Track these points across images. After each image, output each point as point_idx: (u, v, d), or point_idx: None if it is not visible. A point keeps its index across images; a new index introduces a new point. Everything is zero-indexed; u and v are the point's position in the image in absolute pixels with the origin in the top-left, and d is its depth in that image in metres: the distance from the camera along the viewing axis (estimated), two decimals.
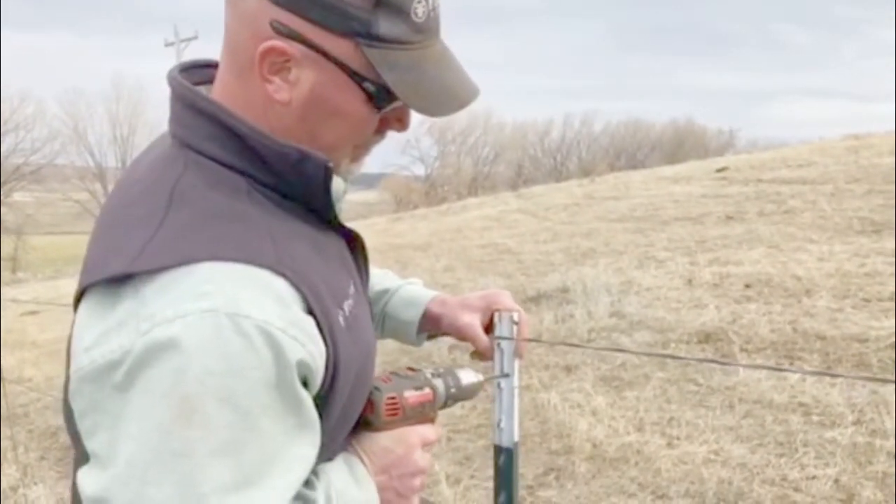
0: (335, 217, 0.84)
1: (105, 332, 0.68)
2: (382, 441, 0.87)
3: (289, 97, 0.77)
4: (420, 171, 47.16)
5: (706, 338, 4.60)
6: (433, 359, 4.73)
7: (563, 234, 9.03)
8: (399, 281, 1.23)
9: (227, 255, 0.70)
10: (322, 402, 0.76)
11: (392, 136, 0.87)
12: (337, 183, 0.82)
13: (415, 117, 0.84)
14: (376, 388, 0.87)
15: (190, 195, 0.74)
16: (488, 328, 1.15)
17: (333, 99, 0.77)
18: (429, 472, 0.91)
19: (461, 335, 1.14)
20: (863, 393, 3.61)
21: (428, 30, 0.77)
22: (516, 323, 1.14)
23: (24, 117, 37.54)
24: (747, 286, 5.46)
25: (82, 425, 0.69)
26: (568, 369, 4.45)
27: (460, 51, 0.84)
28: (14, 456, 3.83)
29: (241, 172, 0.78)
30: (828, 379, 3.83)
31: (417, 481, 0.89)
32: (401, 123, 0.84)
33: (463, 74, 0.82)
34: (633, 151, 50.19)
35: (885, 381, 3.55)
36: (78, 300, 0.74)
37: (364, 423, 0.87)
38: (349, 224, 0.87)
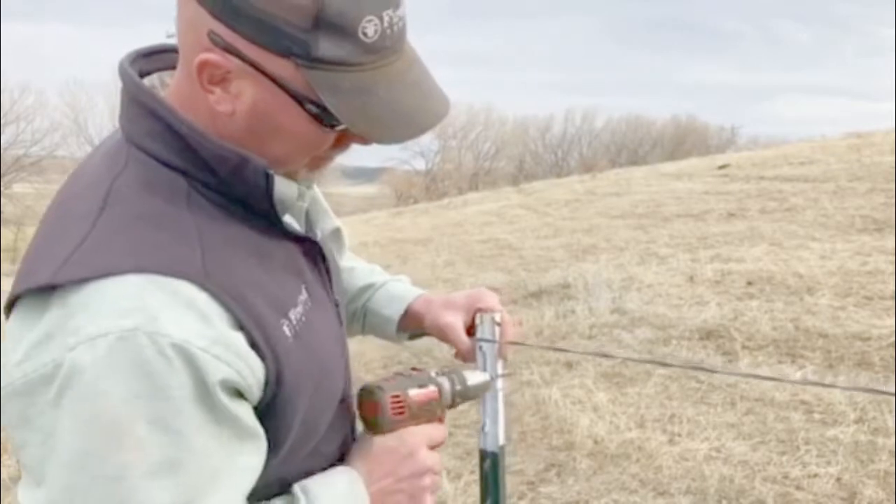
0: (281, 224, 0.79)
1: (35, 344, 0.66)
2: (386, 442, 0.85)
3: (232, 109, 0.73)
4: (421, 165, 47.05)
5: (707, 335, 4.59)
6: (434, 354, 4.73)
7: (565, 229, 9.01)
8: (385, 277, 1.20)
9: (152, 267, 0.67)
10: (266, 413, 0.73)
11: None
12: (288, 188, 0.79)
13: None
14: (379, 388, 0.85)
15: (124, 195, 0.72)
16: (472, 329, 1.12)
17: (276, 117, 0.73)
18: (439, 472, 0.88)
19: (442, 335, 1.11)
20: None
21: (382, 49, 0.71)
22: (498, 324, 1.11)
23: (25, 108, 37.40)
24: (749, 283, 5.45)
25: (13, 438, 0.68)
26: (569, 365, 4.44)
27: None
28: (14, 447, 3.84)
29: (183, 172, 0.74)
30: (829, 377, 3.82)
31: (427, 480, 0.86)
32: (363, 138, 0.78)
33: (426, 96, 0.75)
34: (634, 147, 50.08)
35: (885, 393, 3.54)
36: (10, 307, 0.71)
37: (370, 426, 0.85)
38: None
